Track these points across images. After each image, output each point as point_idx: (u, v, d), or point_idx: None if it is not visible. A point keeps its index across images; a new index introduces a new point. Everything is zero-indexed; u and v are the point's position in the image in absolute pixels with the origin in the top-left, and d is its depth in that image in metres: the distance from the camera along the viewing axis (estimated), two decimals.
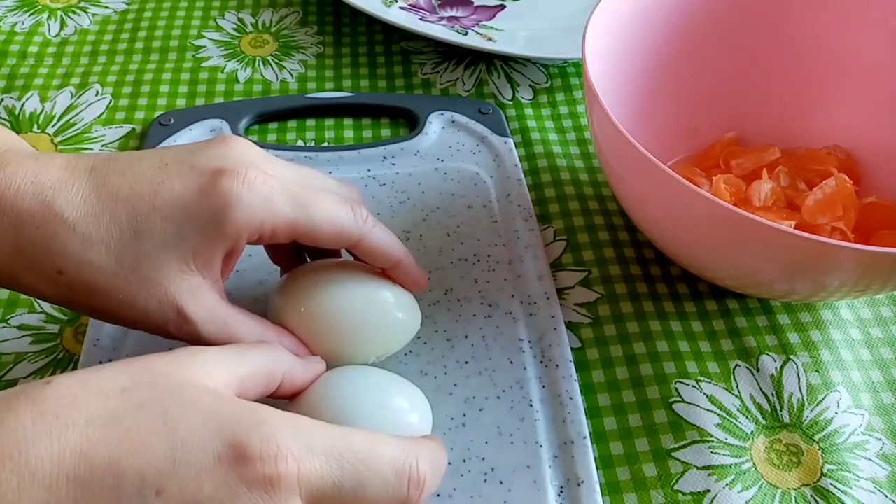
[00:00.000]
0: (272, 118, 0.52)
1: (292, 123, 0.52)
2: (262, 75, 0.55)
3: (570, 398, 0.38)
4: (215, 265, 0.32)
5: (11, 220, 0.30)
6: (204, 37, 0.58)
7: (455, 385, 0.38)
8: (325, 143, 0.51)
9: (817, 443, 0.38)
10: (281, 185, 0.32)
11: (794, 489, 0.36)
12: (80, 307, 0.33)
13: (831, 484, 0.36)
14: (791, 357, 0.41)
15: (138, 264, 0.31)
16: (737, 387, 0.40)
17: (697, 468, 0.36)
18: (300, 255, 0.39)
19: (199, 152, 0.33)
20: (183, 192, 0.31)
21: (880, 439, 0.38)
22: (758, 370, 0.40)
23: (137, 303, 0.31)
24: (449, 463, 0.35)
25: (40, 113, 0.51)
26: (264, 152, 0.34)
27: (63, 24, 0.58)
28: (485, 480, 0.35)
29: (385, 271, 0.36)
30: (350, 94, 0.53)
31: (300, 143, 0.51)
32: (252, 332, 0.33)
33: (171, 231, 0.31)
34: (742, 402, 0.39)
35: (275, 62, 0.56)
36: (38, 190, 0.30)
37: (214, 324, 0.32)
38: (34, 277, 0.31)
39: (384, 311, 0.37)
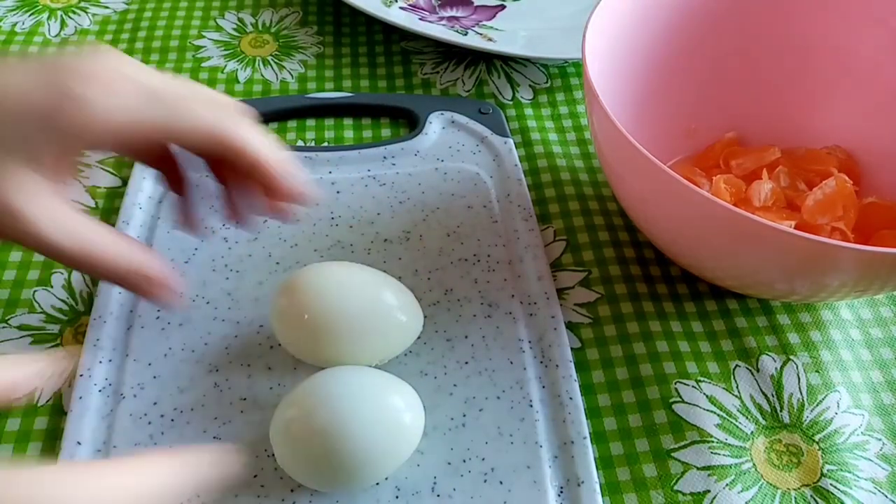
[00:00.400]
0: (272, 118, 0.52)
1: (292, 123, 0.52)
2: (261, 75, 0.55)
3: (570, 398, 0.38)
4: (44, 159, 0.30)
5: None
6: (204, 37, 0.58)
7: (455, 385, 0.38)
8: (325, 144, 0.51)
9: (817, 443, 0.38)
10: (142, 87, 0.31)
11: (794, 489, 0.36)
12: None
13: (831, 484, 0.36)
14: (791, 357, 0.41)
15: None
16: (737, 387, 0.40)
17: (697, 468, 0.36)
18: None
19: (66, 55, 0.31)
20: (33, 89, 0.30)
21: (880, 440, 0.38)
22: (758, 370, 0.40)
23: None
24: (449, 463, 0.35)
25: None
26: (135, 62, 0.33)
27: (63, 25, 0.58)
28: (485, 481, 0.35)
29: (258, 178, 0.35)
30: (350, 95, 0.53)
31: (300, 143, 0.51)
32: (103, 240, 0.32)
33: (10, 128, 0.30)
34: (742, 402, 0.39)
35: (275, 62, 0.56)
36: None
37: (59, 228, 0.31)
38: None
39: (387, 315, 0.37)
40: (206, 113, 0.32)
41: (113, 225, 0.44)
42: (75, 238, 0.31)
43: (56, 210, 0.31)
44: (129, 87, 0.31)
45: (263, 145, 0.34)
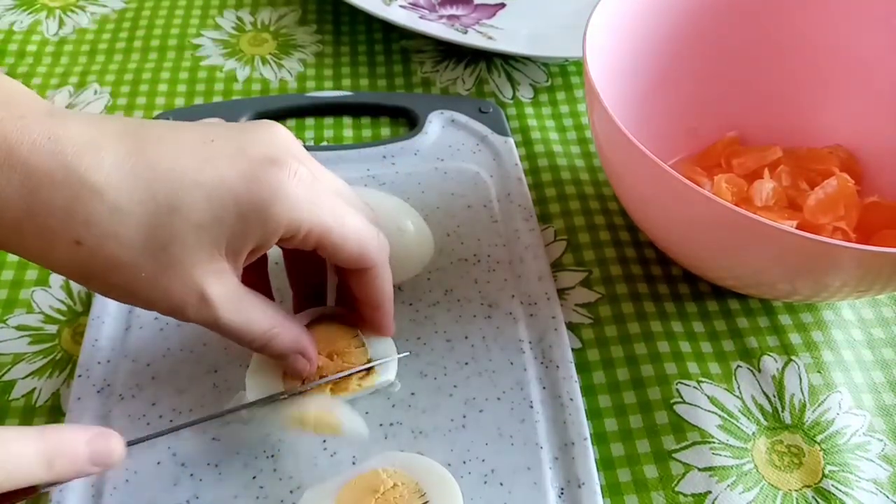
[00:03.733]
0: (271, 117, 0.51)
1: (291, 123, 0.52)
2: (260, 74, 0.55)
3: (571, 399, 0.37)
4: (244, 254, 0.31)
5: (23, 179, 0.27)
6: (203, 35, 0.58)
7: (455, 386, 0.38)
8: (325, 143, 0.51)
9: (819, 444, 0.38)
10: (324, 188, 0.32)
11: (796, 490, 0.36)
12: (92, 282, 0.30)
13: (833, 485, 0.36)
14: (793, 358, 0.41)
15: (170, 242, 0.29)
16: (738, 388, 0.39)
17: (699, 469, 0.36)
18: (316, 278, 0.39)
19: (246, 134, 0.31)
20: (230, 173, 0.29)
21: (882, 440, 0.38)
22: (759, 371, 0.40)
23: (160, 282, 0.29)
24: (449, 464, 0.35)
25: None
26: (303, 147, 0.33)
27: (61, 23, 0.58)
28: (485, 482, 0.35)
29: (361, 308, 0.36)
30: (349, 94, 0.53)
31: (299, 142, 0.50)
32: (267, 318, 0.32)
33: (211, 212, 0.29)
34: (743, 402, 0.39)
35: (274, 61, 0.56)
36: (58, 148, 0.27)
37: (234, 308, 0.31)
38: (44, 244, 0.28)
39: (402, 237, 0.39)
40: (365, 232, 0.33)
41: None
42: (241, 316, 0.31)
43: (232, 294, 0.31)
44: (316, 186, 0.31)
45: (390, 286, 0.35)
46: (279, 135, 0.32)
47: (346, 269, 0.34)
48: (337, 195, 0.33)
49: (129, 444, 0.30)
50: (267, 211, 0.29)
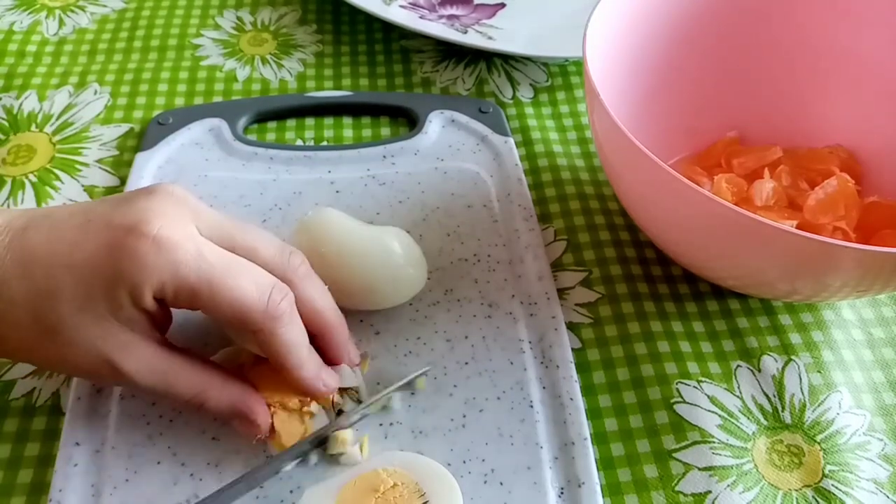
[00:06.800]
0: (271, 117, 0.52)
1: (291, 122, 0.52)
2: (260, 74, 0.55)
3: (571, 399, 0.37)
4: (139, 319, 0.31)
5: None
6: (202, 35, 0.58)
7: (455, 386, 0.38)
8: (325, 143, 0.51)
9: (819, 443, 0.38)
10: (196, 249, 0.31)
11: (796, 490, 0.36)
12: (21, 361, 0.33)
13: (833, 485, 0.36)
14: (793, 357, 0.41)
15: (60, 327, 0.30)
16: (738, 387, 0.39)
17: (699, 469, 0.36)
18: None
19: (121, 206, 0.32)
20: (95, 250, 0.31)
21: (882, 440, 0.38)
22: (759, 371, 0.40)
23: (68, 360, 0.31)
24: (449, 464, 0.35)
25: (38, 112, 0.51)
26: (200, 205, 0.33)
27: (61, 23, 0.58)
28: (485, 482, 0.35)
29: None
30: (349, 93, 0.53)
31: (299, 142, 0.50)
32: (192, 383, 0.33)
33: (82, 292, 0.30)
34: (743, 402, 0.39)
35: (274, 61, 0.56)
36: None
37: (153, 375, 0.32)
38: None
39: (393, 258, 0.38)
40: (247, 295, 0.32)
41: None
42: (162, 382, 0.32)
43: (148, 361, 0.32)
44: (181, 247, 0.31)
45: (295, 349, 0.33)
46: (155, 199, 0.32)
47: None
48: (220, 258, 0.32)
49: None
50: (126, 278, 0.30)
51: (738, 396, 0.39)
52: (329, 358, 0.36)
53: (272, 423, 0.34)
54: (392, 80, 0.55)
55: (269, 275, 0.33)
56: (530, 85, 0.55)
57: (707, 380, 0.40)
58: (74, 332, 0.31)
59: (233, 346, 0.37)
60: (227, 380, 0.34)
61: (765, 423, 0.38)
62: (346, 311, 0.37)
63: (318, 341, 0.35)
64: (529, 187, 0.47)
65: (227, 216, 0.34)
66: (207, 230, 0.33)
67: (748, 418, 0.38)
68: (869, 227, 0.44)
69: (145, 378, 0.32)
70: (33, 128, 0.50)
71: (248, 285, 0.32)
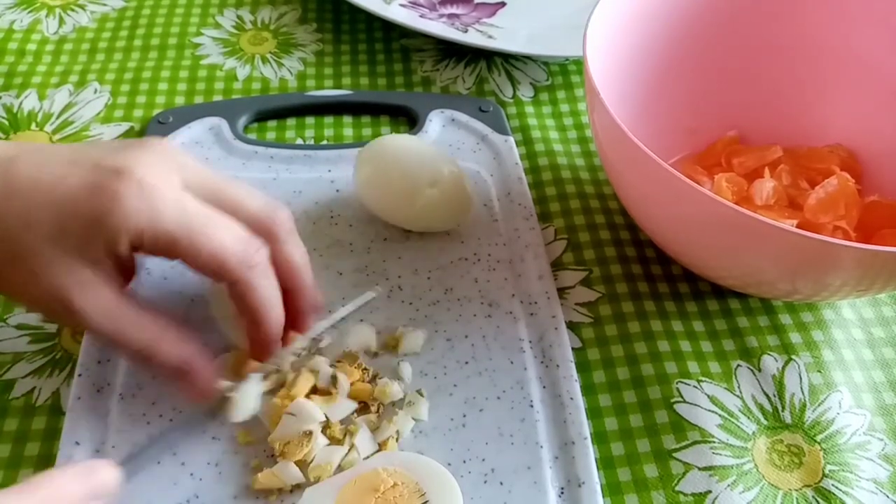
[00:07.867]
0: (271, 116, 0.52)
1: (291, 121, 0.52)
2: (260, 73, 0.55)
3: (571, 398, 0.37)
4: (104, 262, 0.32)
5: None
6: (203, 34, 0.58)
7: (455, 385, 0.38)
8: (325, 142, 0.51)
9: (819, 443, 0.38)
10: (177, 198, 0.32)
11: (796, 490, 0.36)
12: None
13: (833, 485, 0.36)
14: (793, 357, 0.41)
15: (26, 254, 0.31)
16: (738, 387, 0.39)
17: (699, 469, 0.36)
18: None
19: (112, 151, 0.32)
20: (78, 187, 0.31)
21: (882, 440, 0.38)
22: (759, 370, 0.40)
23: (27, 289, 0.32)
24: (449, 464, 0.35)
25: (38, 111, 0.51)
26: (188, 160, 0.34)
27: (62, 22, 0.58)
28: (485, 481, 0.35)
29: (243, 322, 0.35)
30: (349, 92, 0.53)
31: (299, 141, 0.50)
32: (144, 333, 0.33)
33: (57, 226, 0.31)
34: (743, 402, 0.39)
35: (274, 60, 0.56)
36: None
37: (105, 318, 0.32)
38: None
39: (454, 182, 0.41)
40: (226, 247, 0.32)
41: None
42: (112, 326, 0.32)
43: (102, 303, 0.32)
44: (163, 194, 0.31)
45: (268, 305, 0.34)
46: (145, 148, 0.33)
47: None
48: (201, 210, 0.32)
49: (124, 462, 0.31)
50: (104, 218, 0.31)
51: (738, 396, 0.39)
52: (290, 319, 0.36)
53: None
54: (392, 79, 0.55)
55: (245, 231, 0.34)
56: (531, 84, 0.55)
57: (707, 379, 0.40)
58: (38, 261, 0.31)
59: (231, 351, 0.37)
60: (182, 339, 0.34)
61: (765, 422, 0.38)
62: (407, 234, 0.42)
63: (286, 299, 0.36)
64: (529, 186, 0.47)
65: (215, 173, 0.35)
66: (193, 184, 0.33)
67: (748, 418, 0.38)
68: (869, 227, 0.44)
69: (97, 319, 0.32)
70: (33, 126, 0.50)
71: (226, 236, 0.33)
